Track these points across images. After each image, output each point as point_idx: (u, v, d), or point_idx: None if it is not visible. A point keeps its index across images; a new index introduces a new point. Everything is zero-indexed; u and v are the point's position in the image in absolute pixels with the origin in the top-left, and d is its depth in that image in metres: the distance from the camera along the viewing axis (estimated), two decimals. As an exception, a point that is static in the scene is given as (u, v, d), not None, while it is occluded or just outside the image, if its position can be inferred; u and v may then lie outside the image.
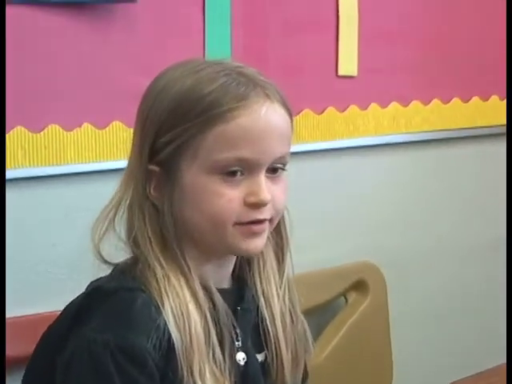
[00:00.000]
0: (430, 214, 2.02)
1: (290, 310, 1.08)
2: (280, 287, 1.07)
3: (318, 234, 1.83)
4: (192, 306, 0.96)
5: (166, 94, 0.97)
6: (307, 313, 1.78)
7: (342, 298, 1.85)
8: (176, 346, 0.94)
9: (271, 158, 0.98)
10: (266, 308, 1.06)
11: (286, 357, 1.06)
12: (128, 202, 0.99)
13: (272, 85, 0.99)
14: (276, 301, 1.06)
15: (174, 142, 0.96)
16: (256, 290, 1.06)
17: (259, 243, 0.99)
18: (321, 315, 1.84)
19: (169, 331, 0.93)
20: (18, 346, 1.37)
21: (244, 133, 0.95)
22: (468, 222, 2.09)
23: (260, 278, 1.06)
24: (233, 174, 0.96)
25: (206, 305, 0.97)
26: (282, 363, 1.06)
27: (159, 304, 0.95)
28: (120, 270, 1.01)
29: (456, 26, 1.97)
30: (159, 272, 0.97)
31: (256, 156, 0.96)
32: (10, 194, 1.39)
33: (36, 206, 1.45)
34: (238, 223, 0.97)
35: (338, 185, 1.86)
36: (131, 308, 0.94)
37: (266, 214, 0.98)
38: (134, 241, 0.99)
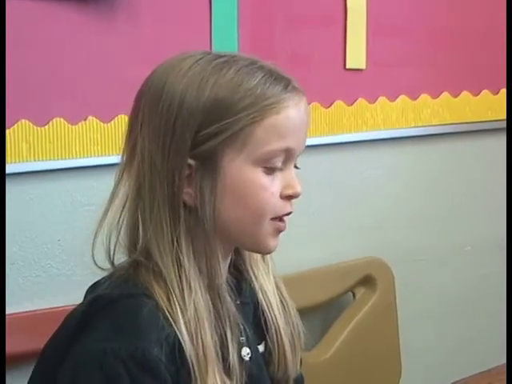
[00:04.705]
0: (439, 210, 2.01)
1: (280, 300, 1.08)
2: (269, 279, 1.08)
3: (325, 229, 1.82)
4: (206, 315, 0.94)
5: (202, 87, 0.94)
6: (315, 308, 1.80)
7: (350, 293, 1.85)
8: (188, 356, 0.91)
9: (302, 150, 1.00)
10: (264, 298, 1.06)
11: (288, 346, 1.06)
12: (145, 201, 0.95)
13: (295, 79, 1.00)
14: (271, 291, 1.07)
15: (221, 135, 0.94)
16: (252, 282, 1.06)
17: (278, 243, 1.00)
18: (328, 311, 1.84)
19: (179, 341, 0.91)
20: (24, 342, 1.36)
21: (292, 124, 0.96)
22: (479, 218, 2.07)
23: (253, 270, 1.06)
24: (276, 165, 0.96)
25: (218, 307, 0.96)
26: (285, 352, 1.06)
27: (168, 313, 0.92)
28: (119, 277, 0.97)
29: (465, 19, 1.95)
30: (174, 277, 0.94)
31: (297, 147, 0.97)
32: (15, 189, 1.38)
33: (41, 200, 1.44)
34: (273, 217, 0.97)
35: (346, 179, 1.85)
36: (138, 316, 0.91)
37: (292, 206, 0.99)
38: (135, 243, 0.96)
